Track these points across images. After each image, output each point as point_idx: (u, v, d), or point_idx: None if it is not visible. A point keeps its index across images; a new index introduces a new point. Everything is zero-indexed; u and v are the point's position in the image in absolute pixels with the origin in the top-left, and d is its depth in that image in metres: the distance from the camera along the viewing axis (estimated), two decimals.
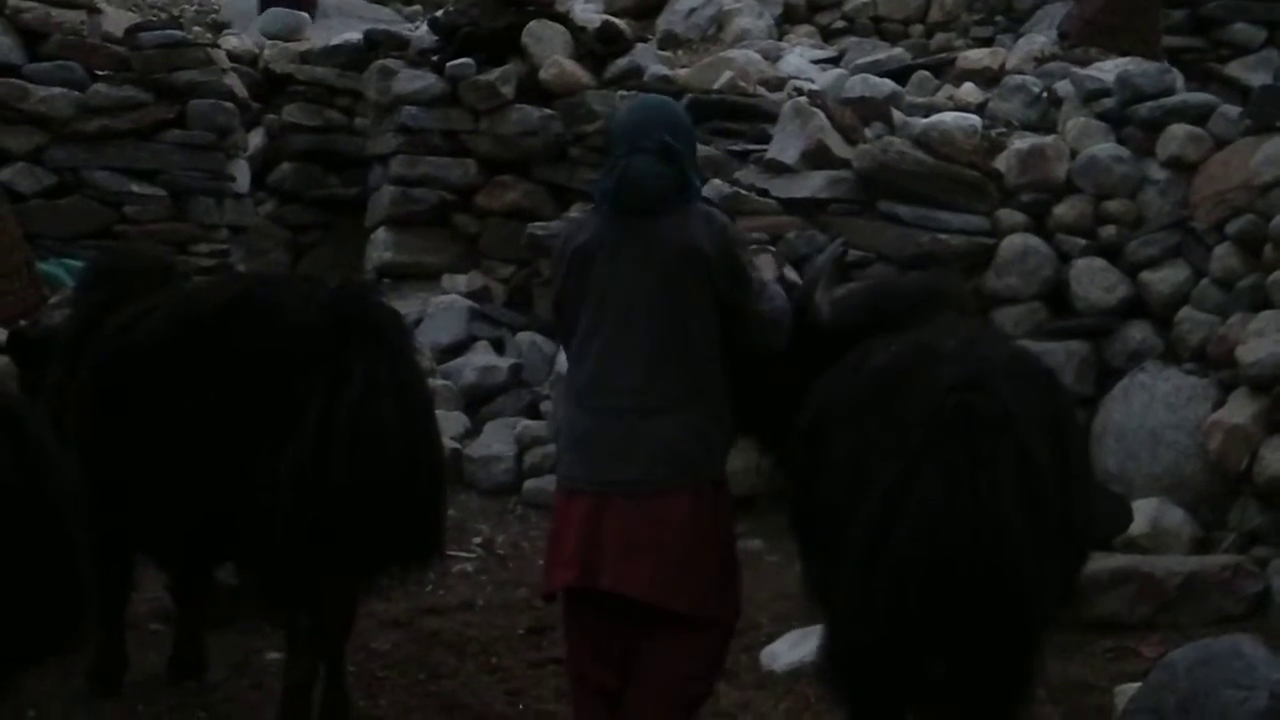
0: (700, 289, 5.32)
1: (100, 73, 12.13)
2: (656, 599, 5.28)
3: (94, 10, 12.46)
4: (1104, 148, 10.21)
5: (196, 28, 13.20)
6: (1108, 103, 10.45)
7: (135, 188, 12.06)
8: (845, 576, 4.68)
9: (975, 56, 13.34)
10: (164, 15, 14.53)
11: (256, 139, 13.69)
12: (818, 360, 5.48)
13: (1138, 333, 9.84)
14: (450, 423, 9.97)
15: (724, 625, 5.55)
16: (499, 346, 11.39)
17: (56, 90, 11.96)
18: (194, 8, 16.25)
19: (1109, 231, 10.07)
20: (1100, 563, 7.78)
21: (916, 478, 4.55)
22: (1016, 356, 5.22)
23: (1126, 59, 11.13)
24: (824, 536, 4.98)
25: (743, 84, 11.79)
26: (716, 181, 10.76)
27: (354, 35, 13.90)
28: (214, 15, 15.95)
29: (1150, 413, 9.36)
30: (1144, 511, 8.60)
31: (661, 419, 5.30)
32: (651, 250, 5.32)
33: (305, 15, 14.78)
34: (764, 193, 10.66)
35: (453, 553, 7.89)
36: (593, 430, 5.36)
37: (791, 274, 10.14)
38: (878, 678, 4.79)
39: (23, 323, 7.37)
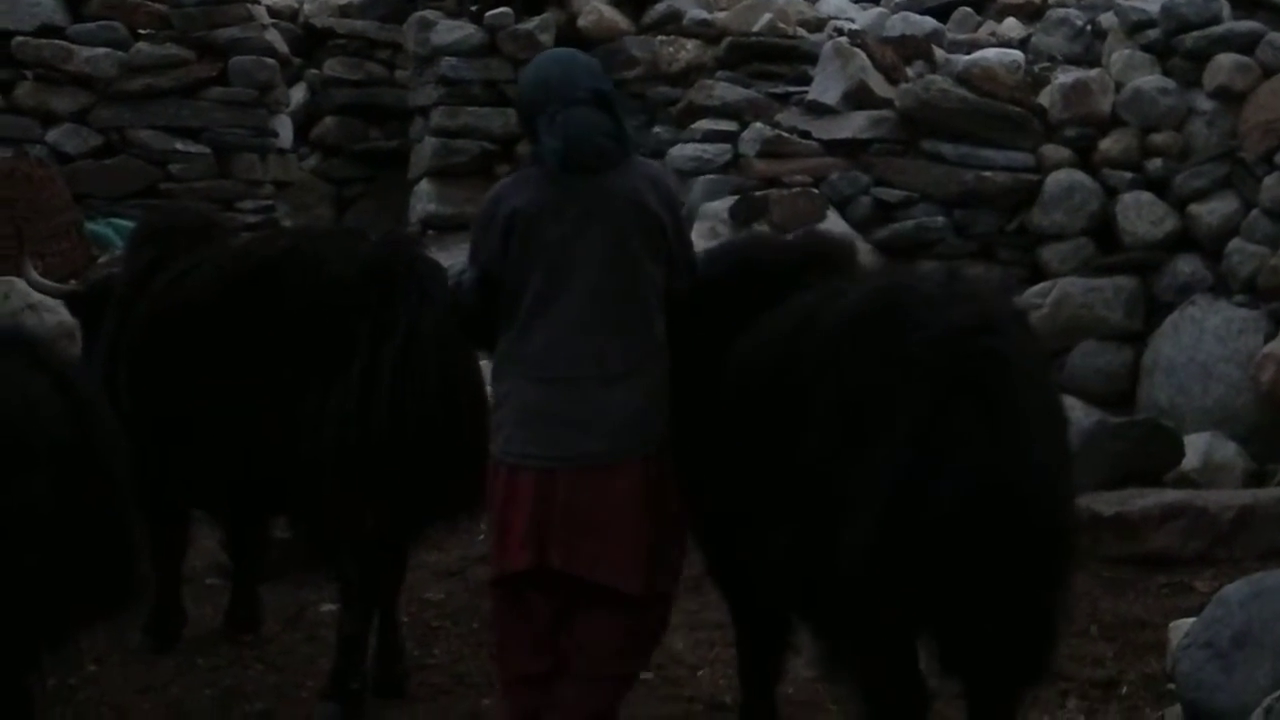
0: (650, 247, 5.08)
1: (142, 31, 12.19)
2: (607, 579, 5.07)
3: None
4: (1149, 80, 10.14)
5: None
6: (1153, 34, 10.35)
7: (180, 146, 12.14)
8: (862, 532, 4.50)
9: None
10: None
11: (298, 94, 13.71)
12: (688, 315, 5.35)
13: (1187, 266, 9.80)
14: None
15: (667, 599, 5.33)
16: None
17: (100, 50, 12.05)
18: None
19: (1156, 164, 10.01)
20: (1153, 498, 7.76)
21: (949, 425, 4.41)
22: (1003, 298, 5.03)
23: None
24: (800, 496, 4.75)
25: (782, 26, 11.71)
26: (758, 125, 10.74)
27: None
28: None
29: (1200, 346, 9.33)
30: (1196, 446, 8.57)
31: (622, 385, 5.06)
32: (599, 210, 5.04)
33: None
34: (806, 135, 10.65)
35: None
36: (545, 402, 5.06)
37: (835, 216, 10.21)
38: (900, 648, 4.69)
39: (73, 282, 7.41)
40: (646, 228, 5.07)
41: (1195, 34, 10.08)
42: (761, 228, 9.98)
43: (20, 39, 12.02)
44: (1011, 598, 4.51)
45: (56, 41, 12.04)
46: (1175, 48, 10.19)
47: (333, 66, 13.82)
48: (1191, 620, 5.57)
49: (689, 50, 11.83)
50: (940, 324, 4.57)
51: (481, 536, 7.92)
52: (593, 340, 5.06)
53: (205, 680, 6.50)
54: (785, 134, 10.64)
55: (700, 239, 8.40)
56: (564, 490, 5.06)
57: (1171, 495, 7.88)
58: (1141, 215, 9.93)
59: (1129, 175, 10.04)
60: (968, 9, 13.05)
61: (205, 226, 7.09)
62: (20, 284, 9.36)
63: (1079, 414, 8.88)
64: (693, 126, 11.00)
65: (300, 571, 7.31)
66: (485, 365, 5.69)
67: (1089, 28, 11.15)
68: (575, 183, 5.05)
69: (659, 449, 5.19)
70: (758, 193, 10.34)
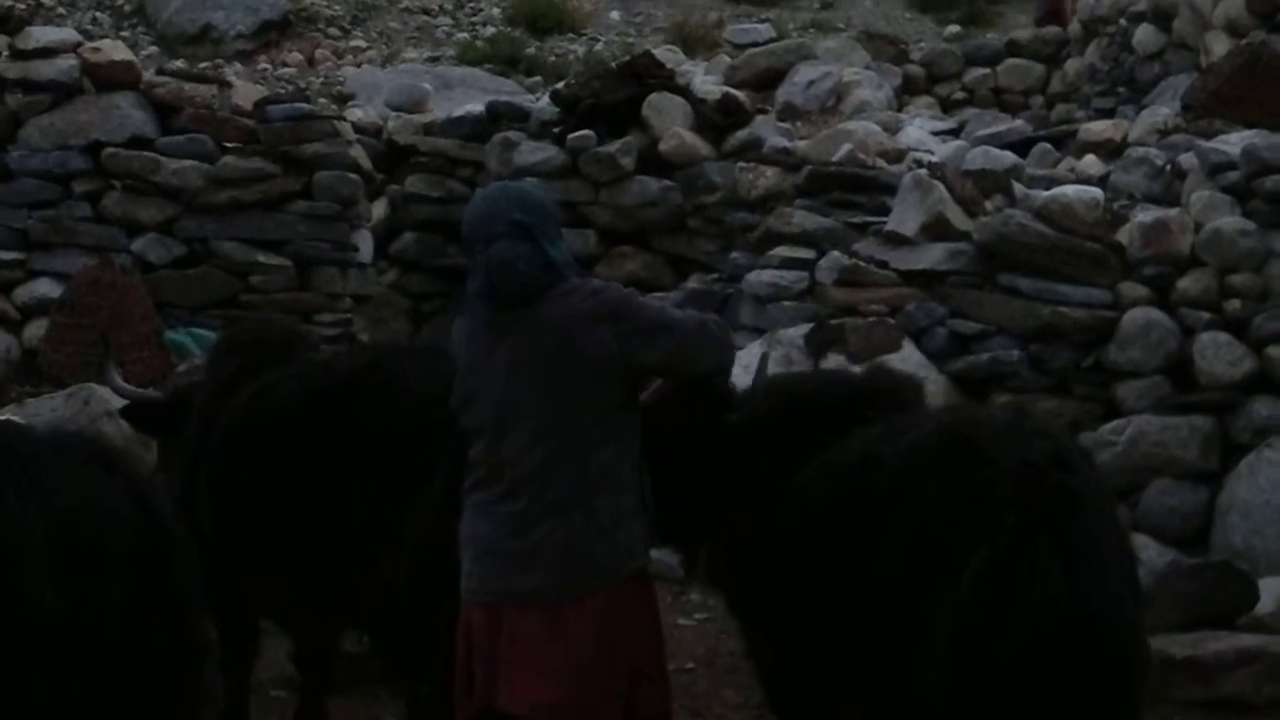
0: (589, 368, 4.95)
1: (229, 145, 12.39)
2: None
3: (225, 84, 12.75)
4: (1229, 221, 10.11)
5: (322, 100, 13.39)
6: (1233, 175, 10.32)
7: (262, 258, 12.28)
8: (935, 671, 4.51)
9: (1097, 128, 13.25)
10: (291, 88, 14.80)
11: (379, 209, 13.86)
12: (740, 450, 5.47)
13: (1264, 408, 9.72)
14: None
15: None
16: None
17: (187, 162, 12.27)
18: (320, 80, 16.56)
19: (1234, 305, 9.96)
20: (1226, 642, 7.69)
21: (1024, 559, 4.43)
22: (1070, 436, 5.17)
23: (1252, 131, 11.01)
24: (870, 629, 4.79)
25: (862, 156, 11.79)
26: (835, 253, 10.78)
27: (476, 107, 14.04)
28: (339, 87, 16.24)
29: (1277, 489, 9.24)
30: (1270, 590, 8.46)
31: (557, 520, 4.95)
32: (531, 343, 5.00)
33: (428, 88, 14.94)
34: (883, 264, 10.67)
35: None
36: (486, 536, 5.07)
37: (910, 346, 10.21)
38: None
39: (152, 390, 7.49)
40: (584, 352, 4.96)
41: (1276, 177, 10.04)
42: (837, 356, 9.98)
43: (110, 150, 12.28)
44: None
45: (145, 153, 12.27)
46: (1255, 190, 10.15)
47: (414, 183, 13.93)
48: None
49: (768, 177, 11.91)
50: (1013, 459, 4.60)
51: None
52: (523, 472, 5.00)
53: None
54: (863, 263, 10.67)
55: (775, 366, 8.43)
56: (509, 627, 5.00)
57: (1245, 639, 7.80)
58: (1219, 355, 9.87)
59: (1206, 315, 9.98)
60: (1047, 145, 13.13)
61: (290, 340, 7.16)
62: (100, 390, 9.49)
63: (1152, 553, 8.81)
64: (770, 253, 11.06)
65: (368, 686, 7.32)
66: None
67: (1169, 167, 11.13)
68: (507, 319, 5.06)
69: (630, 580, 5.09)
70: (833, 321, 10.36)
